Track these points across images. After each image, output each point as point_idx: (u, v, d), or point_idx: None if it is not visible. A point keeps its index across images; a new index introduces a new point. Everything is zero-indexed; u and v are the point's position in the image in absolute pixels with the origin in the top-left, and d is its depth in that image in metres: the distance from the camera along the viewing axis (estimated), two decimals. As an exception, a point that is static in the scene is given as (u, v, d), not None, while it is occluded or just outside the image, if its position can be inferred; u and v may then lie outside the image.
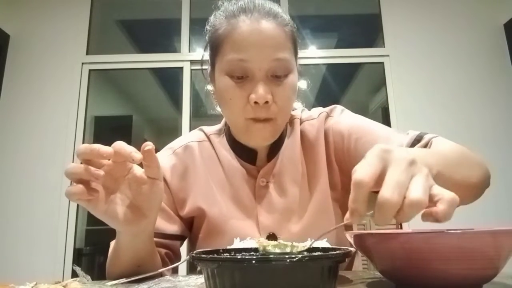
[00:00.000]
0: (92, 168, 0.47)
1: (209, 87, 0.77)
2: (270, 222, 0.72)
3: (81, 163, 0.47)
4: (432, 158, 0.50)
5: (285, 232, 0.72)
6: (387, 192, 0.35)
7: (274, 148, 0.77)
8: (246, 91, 0.65)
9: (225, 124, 0.83)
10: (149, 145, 0.48)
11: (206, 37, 0.74)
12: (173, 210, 0.75)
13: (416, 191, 0.35)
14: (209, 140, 0.81)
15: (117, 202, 0.51)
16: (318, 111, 0.82)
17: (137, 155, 0.47)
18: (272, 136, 0.71)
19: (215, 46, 0.69)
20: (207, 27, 0.73)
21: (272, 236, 0.72)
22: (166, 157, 0.79)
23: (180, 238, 0.77)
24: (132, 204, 0.52)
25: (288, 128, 0.81)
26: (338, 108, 0.81)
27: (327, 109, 0.81)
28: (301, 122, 0.81)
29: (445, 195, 0.36)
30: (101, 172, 0.47)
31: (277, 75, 0.66)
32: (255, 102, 0.65)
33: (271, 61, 0.65)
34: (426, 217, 0.36)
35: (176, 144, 0.82)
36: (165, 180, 0.75)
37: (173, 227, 0.74)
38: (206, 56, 0.76)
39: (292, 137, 0.79)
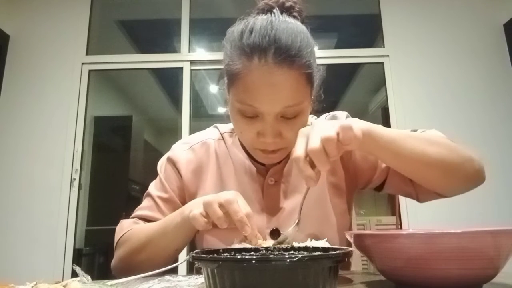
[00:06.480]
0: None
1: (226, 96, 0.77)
2: (276, 220, 0.75)
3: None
4: (376, 127, 0.61)
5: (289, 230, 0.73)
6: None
7: None
8: (256, 128, 0.68)
9: None
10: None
11: (223, 56, 0.72)
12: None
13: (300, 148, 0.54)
14: (223, 139, 0.85)
15: None
16: (324, 117, 0.84)
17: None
18: (280, 158, 0.76)
19: (229, 78, 0.69)
20: (224, 49, 0.71)
21: (275, 232, 0.74)
22: (183, 152, 0.83)
23: None
24: None
25: None
26: (343, 114, 0.83)
27: (336, 114, 0.83)
28: None
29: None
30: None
31: (287, 117, 0.67)
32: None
33: (281, 108, 0.65)
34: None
35: (193, 139, 0.86)
36: (179, 174, 0.81)
37: None
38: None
39: None
